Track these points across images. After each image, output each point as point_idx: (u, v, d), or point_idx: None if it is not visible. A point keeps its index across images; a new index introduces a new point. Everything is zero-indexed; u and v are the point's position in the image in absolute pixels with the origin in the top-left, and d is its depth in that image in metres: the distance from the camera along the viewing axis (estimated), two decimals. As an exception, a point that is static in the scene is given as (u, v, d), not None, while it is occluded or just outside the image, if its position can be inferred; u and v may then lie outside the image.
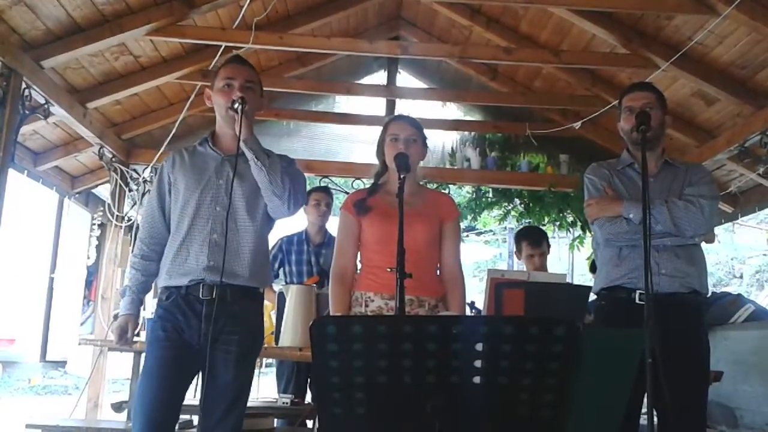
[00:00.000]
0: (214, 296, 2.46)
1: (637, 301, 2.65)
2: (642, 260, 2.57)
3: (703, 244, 2.91)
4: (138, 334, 2.77)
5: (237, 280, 2.51)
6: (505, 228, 15.77)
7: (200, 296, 2.48)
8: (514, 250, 4.68)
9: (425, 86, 6.29)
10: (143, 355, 3.37)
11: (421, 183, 3.15)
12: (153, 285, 2.72)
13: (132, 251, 2.71)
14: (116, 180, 5.61)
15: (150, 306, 2.97)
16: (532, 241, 4.36)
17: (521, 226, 5.83)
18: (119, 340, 2.61)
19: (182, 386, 2.50)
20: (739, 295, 5.65)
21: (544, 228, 6.37)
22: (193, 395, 2.88)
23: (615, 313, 2.77)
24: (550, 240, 4.57)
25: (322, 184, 5.62)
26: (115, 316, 4.36)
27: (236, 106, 2.48)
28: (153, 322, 2.58)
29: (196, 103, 5.04)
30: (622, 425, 2.25)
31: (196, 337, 2.46)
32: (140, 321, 2.75)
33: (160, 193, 2.66)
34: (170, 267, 2.56)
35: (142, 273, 2.63)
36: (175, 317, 2.50)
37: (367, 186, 3.11)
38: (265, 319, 4.15)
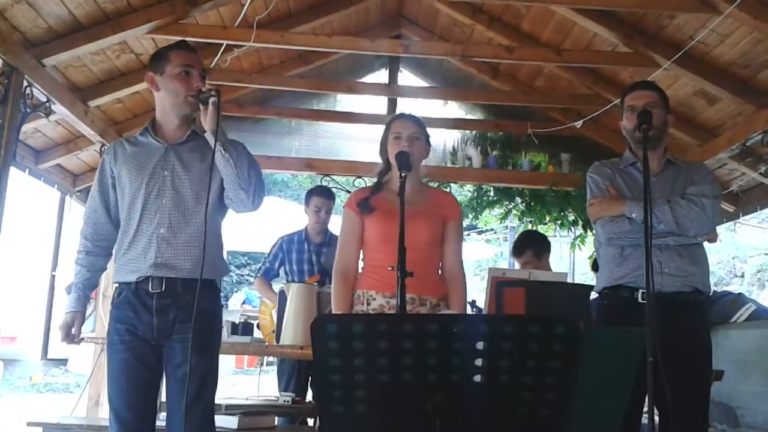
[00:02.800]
0: (163, 288, 2.41)
1: (639, 300, 2.65)
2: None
3: (705, 243, 2.91)
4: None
5: (187, 274, 2.43)
6: (507, 227, 15.74)
7: (150, 289, 2.42)
8: None
9: (427, 85, 6.29)
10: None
11: (423, 181, 3.15)
12: (102, 279, 2.64)
13: (77, 248, 2.62)
14: (117, 178, 5.60)
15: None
16: (515, 252, 4.47)
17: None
18: (66, 337, 2.55)
19: (149, 384, 2.44)
20: (740, 294, 5.65)
21: (546, 226, 6.38)
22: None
23: (617, 312, 2.77)
24: (552, 239, 4.59)
25: (323, 183, 5.63)
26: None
27: (212, 99, 2.38)
28: (109, 325, 2.52)
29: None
30: (623, 425, 2.25)
31: (149, 332, 2.42)
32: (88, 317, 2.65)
33: (102, 188, 2.57)
34: (119, 264, 2.50)
35: (88, 269, 2.57)
36: (126, 314, 2.44)
37: (369, 185, 3.11)
38: (266, 317, 4.19)
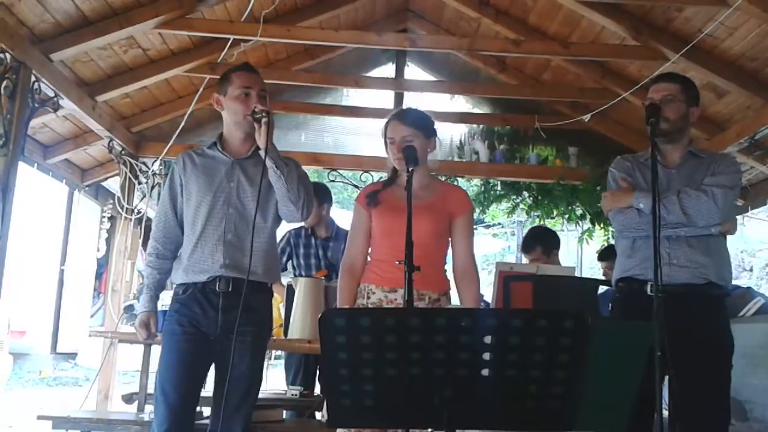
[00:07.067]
0: (230, 289, 2.61)
1: (648, 292, 2.62)
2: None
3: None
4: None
5: (252, 276, 2.63)
6: (514, 221, 15.72)
7: (217, 289, 2.62)
8: None
9: (433, 79, 6.27)
10: (153, 347, 3.43)
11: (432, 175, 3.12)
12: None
13: (147, 250, 2.88)
14: (125, 173, 5.63)
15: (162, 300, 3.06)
16: (524, 248, 4.47)
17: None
18: (145, 332, 2.75)
19: (200, 376, 2.65)
20: (748, 288, 5.62)
21: (553, 220, 6.37)
22: (204, 387, 2.95)
23: (630, 304, 2.75)
24: (560, 233, 4.60)
25: (330, 178, 5.63)
26: (125, 309, 4.40)
27: (263, 120, 2.60)
28: (169, 316, 2.71)
29: (205, 96, 5.04)
30: (635, 420, 2.23)
31: (213, 328, 2.60)
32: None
33: (172, 195, 2.80)
34: (187, 265, 2.70)
35: (159, 271, 2.78)
36: (192, 310, 2.64)
37: (376, 179, 3.11)
38: (274, 311, 4.21)
